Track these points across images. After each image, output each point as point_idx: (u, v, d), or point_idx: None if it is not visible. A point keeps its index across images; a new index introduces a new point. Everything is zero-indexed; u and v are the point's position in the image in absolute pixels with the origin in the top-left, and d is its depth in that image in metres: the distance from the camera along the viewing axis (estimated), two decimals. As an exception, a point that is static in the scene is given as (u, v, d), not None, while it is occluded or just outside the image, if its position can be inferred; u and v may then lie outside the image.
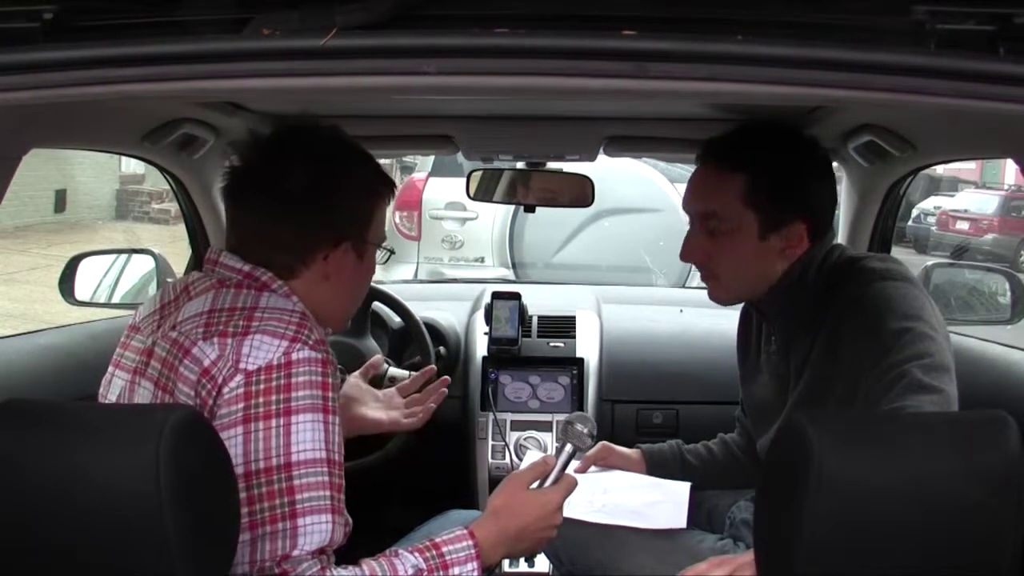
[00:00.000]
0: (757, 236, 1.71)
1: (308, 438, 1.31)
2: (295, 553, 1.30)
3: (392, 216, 6.31)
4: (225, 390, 1.31)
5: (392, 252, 1.68)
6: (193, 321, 1.39)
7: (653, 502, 1.92)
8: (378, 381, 2.48)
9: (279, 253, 1.46)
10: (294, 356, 1.32)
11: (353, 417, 1.90)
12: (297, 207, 1.45)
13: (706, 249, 1.76)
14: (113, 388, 1.50)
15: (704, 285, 1.89)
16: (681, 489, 1.95)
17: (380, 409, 1.96)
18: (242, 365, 1.32)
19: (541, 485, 1.51)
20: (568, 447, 1.54)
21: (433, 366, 2.10)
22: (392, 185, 1.58)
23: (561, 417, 2.45)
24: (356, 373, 2.01)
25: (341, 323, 1.63)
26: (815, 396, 1.69)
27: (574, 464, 1.98)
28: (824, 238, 1.76)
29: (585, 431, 1.54)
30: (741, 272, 1.76)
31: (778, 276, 1.74)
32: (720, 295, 1.83)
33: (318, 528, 1.31)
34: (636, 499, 1.93)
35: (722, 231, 1.73)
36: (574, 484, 1.52)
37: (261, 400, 1.30)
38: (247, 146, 1.51)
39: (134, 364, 1.46)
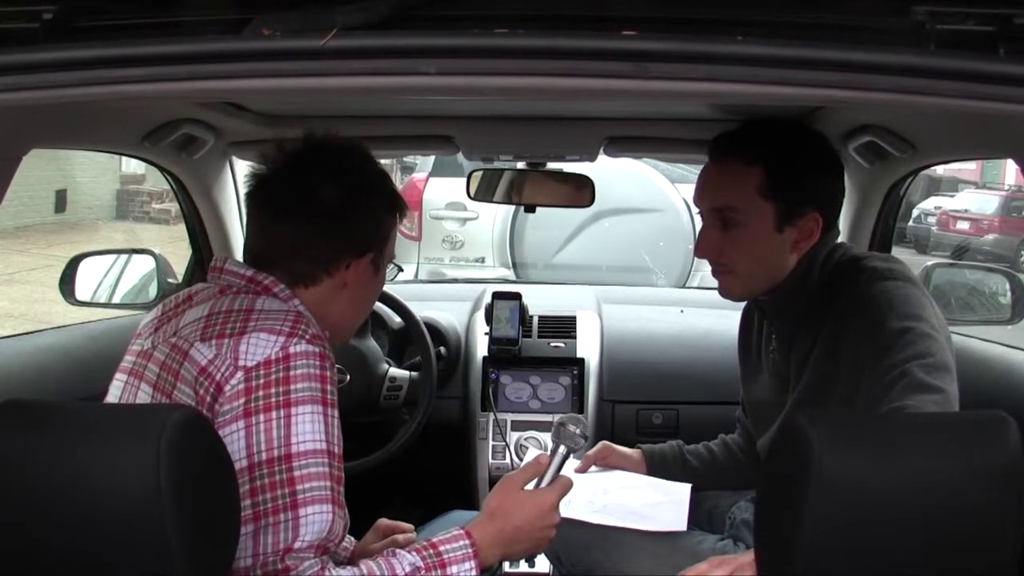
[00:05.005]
0: (774, 228, 1.72)
1: (308, 429, 1.33)
2: (296, 545, 1.31)
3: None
4: (226, 388, 1.34)
5: (400, 269, 1.72)
6: (192, 326, 1.42)
7: (653, 503, 1.92)
8: (379, 381, 2.49)
9: (303, 261, 1.49)
10: (292, 350, 1.35)
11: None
12: (332, 220, 1.49)
13: (722, 244, 1.75)
14: (112, 390, 1.53)
15: (705, 286, 1.89)
16: (682, 490, 1.95)
17: None
18: (241, 362, 1.34)
19: (537, 486, 1.51)
20: (561, 449, 1.54)
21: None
22: (405, 205, 1.62)
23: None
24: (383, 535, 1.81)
25: (347, 332, 1.65)
26: (816, 396, 1.69)
27: (572, 464, 1.99)
28: (830, 234, 1.77)
29: (577, 432, 1.54)
30: (757, 265, 1.75)
31: (789, 270, 1.74)
32: (734, 290, 1.82)
33: (319, 518, 1.32)
34: (636, 500, 1.93)
35: (739, 224, 1.73)
36: (569, 485, 1.53)
37: (261, 394, 1.33)
38: (273, 156, 1.54)
39: (131, 366, 1.49)
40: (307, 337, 1.37)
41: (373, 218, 1.54)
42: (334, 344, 1.59)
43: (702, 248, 1.79)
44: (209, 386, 1.35)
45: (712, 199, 1.77)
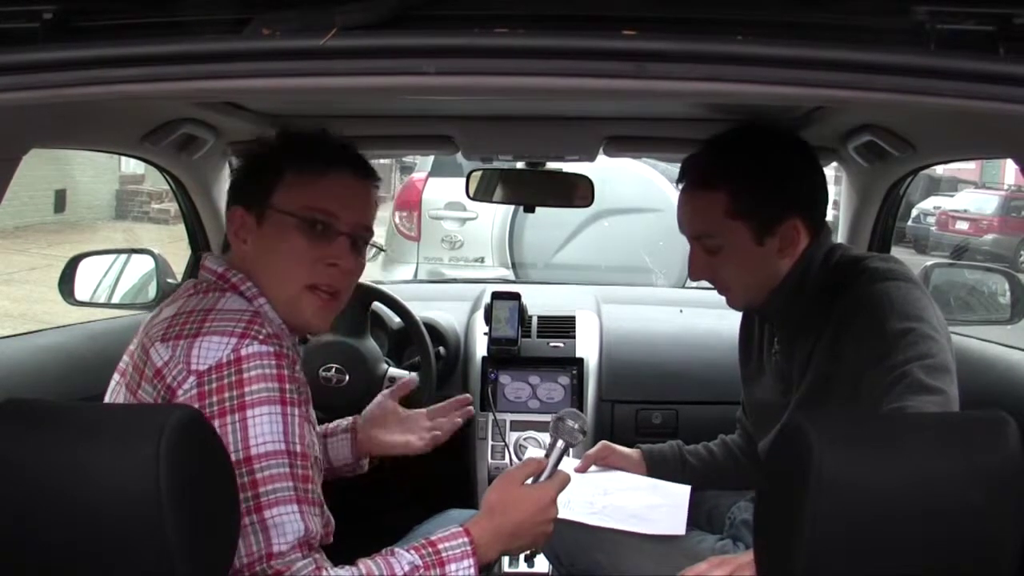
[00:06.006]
0: (753, 243, 1.73)
1: (266, 431, 1.32)
2: (276, 549, 1.31)
3: (392, 216, 6.32)
4: (179, 392, 1.33)
5: (382, 249, 1.71)
6: (160, 324, 1.42)
7: (653, 505, 1.92)
8: (378, 381, 2.48)
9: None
10: (243, 352, 1.34)
11: (368, 439, 1.89)
12: None
13: (709, 266, 1.78)
14: (109, 390, 1.54)
15: (704, 286, 1.90)
16: (681, 492, 1.95)
17: (398, 432, 1.91)
18: (193, 366, 1.34)
19: (535, 482, 1.51)
20: (560, 443, 1.55)
21: (468, 395, 2.02)
22: (288, 161, 1.52)
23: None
24: (385, 393, 1.96)
25: (296, 312, 1.50)
26: (818, 397, 1.70)
27: (573, 462, 1.99)
28: (822, 233, 1.77)
29: (576, 426, 1.55)
30: (748, 280, 1.77)
31: (783, 274, 1.75)
32: (736, 304, 1.86)
33: (288, 519, 1.32)
34: (636, 502, 1.93)
35: (719, 248, 1.75)
36: (567, 480, 1.53)
37: (215, 399, 1.32)
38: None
39: (124, 366, 1.50)
40: (260, 338, 1.35)
41: (245, 171, 1.58)
42: (313, 334, 1.58)
43: (693, 273, 1.83)
44: (162, 388, 1.35)
45: (689, 227, 1.80)
